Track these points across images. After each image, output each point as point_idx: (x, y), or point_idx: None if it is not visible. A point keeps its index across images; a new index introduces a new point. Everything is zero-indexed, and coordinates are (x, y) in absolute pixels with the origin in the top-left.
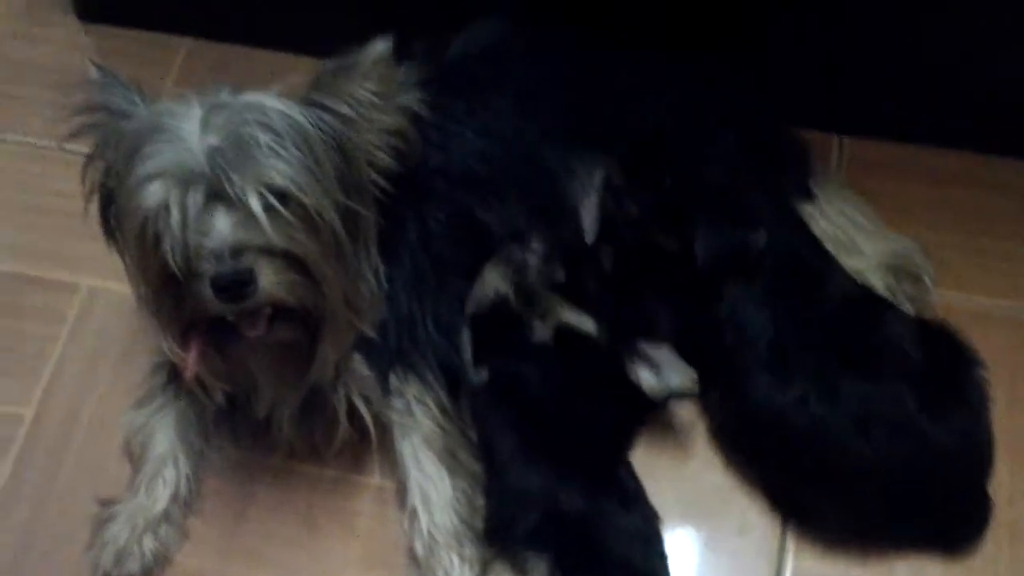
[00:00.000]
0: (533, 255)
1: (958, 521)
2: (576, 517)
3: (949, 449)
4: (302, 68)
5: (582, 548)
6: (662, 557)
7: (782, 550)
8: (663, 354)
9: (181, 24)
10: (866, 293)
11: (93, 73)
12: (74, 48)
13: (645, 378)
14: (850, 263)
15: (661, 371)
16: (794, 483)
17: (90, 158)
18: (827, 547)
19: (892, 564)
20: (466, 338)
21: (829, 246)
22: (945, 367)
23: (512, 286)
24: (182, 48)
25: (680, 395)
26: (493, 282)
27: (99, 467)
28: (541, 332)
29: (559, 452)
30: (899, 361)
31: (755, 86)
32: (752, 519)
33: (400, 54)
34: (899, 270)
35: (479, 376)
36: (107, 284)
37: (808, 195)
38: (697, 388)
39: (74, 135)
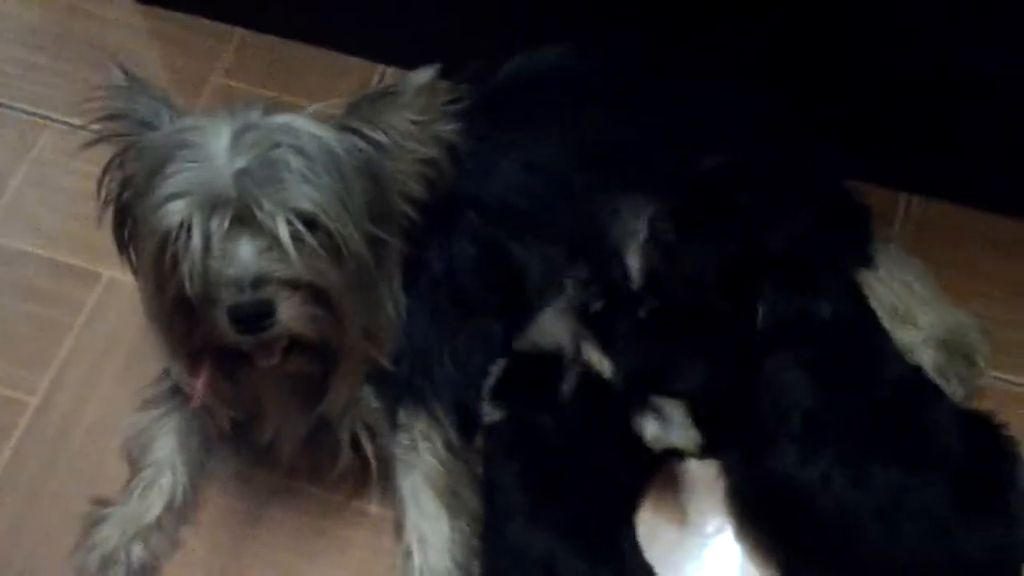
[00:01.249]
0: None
1: None
2: None
3: (977, 557)
4: (354, 69)
5: None
6: None
7: None
8: (674, 410)
9: (237, 14)
10: (918, 377)
11: (119, 78)
12: (129, 29)
13: (649, 428)
14: (902, 335)
15: (667, 425)
16: (805, 564)
17: (108, 168)
18: None
19: None
20: (495, 370)
21: (884, 314)
22: (988, 468)
23: (572, 337)
24: (235, 38)
25: (678, 454)
26: (554, 333)
27: (97, 465)
28: (569, 384)
29: (565, 512)
30: (940, 455)
31: (821, 133)
32: None
33: (450, 74)
34: (952, 347)
35: (493, 414)
36: (127, 277)
37: (868, 262)
38: (698, 452)
39: (94, 143)
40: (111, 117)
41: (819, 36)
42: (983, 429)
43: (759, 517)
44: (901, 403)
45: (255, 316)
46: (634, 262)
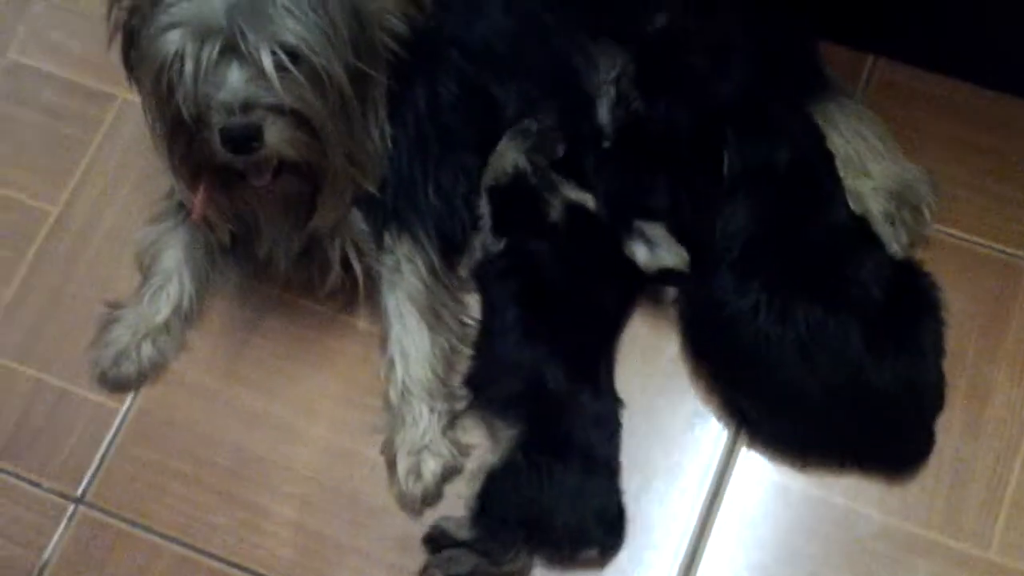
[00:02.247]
0: (542, 127)
1: (896, 451)
2: (554, 397)
3: (888, 392)
4: None
5: (550, 429)
6: (616, 444)
7: (732, 449)
8: (658, 232)
9: None
10: (857, 227)
11: None
12: None
13: (640, 252)
14: (855, 183)
15: (655, 247)
16: (737, 390)
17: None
18: (775, 452)
19: (833, 479)
20: (485, 207)
21: (839, 164)
22: (905, 312)
23: (528, 161)
24: None
25: (670, 272)
26: (511, 156)
27: (112, 271)
28: (556, 211)
29: (556, 332)
30: (860, 299)
31: None
32: (709, 417)
33: None
34: (901, 197)
35: (495, 246)
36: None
37: (820, 85)
38: (686, 267)
39: None
40: None
41: None
42: (908, 279)
43: (701, 343)
44: (834, 248)
45: (244, 138)
46: (604, 106)
